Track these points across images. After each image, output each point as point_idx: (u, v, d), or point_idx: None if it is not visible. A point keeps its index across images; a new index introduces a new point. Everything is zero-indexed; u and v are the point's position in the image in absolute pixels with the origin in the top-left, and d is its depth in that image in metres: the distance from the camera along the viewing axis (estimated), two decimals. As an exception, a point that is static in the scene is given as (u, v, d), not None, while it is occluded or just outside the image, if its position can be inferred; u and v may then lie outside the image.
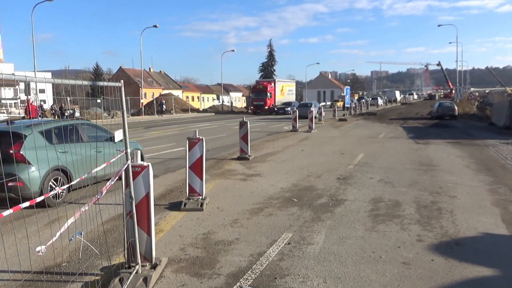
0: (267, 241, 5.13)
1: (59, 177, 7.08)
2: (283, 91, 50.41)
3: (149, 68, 79.47)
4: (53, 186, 6.92)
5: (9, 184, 6.19)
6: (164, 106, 45.70)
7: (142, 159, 4.94)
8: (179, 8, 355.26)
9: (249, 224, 5.82)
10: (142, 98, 51.36)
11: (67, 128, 7.27)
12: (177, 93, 71.25)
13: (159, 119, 38.62)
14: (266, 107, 45.27)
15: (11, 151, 6.45)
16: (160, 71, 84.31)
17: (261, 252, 4.77)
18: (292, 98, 53.00)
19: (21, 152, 6.58)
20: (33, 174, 6.60)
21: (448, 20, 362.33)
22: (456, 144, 15.56)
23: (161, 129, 24.70)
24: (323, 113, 29.10)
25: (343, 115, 33.14)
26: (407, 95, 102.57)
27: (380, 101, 67.65)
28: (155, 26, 45.82)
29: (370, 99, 71.89)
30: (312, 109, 23.51)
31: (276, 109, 44.35)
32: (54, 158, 6.90)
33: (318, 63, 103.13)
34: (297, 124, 22.19)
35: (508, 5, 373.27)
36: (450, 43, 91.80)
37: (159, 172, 9.83)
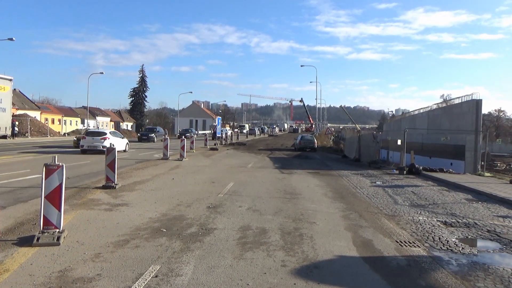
0: (133, 275, 4.86)
1: None
2: None
3: None
4: None
5: None
6: (16, 128, 40.97)
7: None
8: (38, 22, 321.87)
9: (113, 258, 5.44)
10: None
11: None
12: (35, 114, 64.42)
13: (10, 143, 34.34)
14: None
15: None
16: (14, 89, 75.45)
17: (126, 287, 4.48)
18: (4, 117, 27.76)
19: None
20: None
21: (307, 62, 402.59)
22: (316, 174, 17.03)
23: (13, 154, 21.90)
24: (195, 142, 29.20)
25: (214, 145, 33.77)
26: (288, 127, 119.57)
27: (276, 129, 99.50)
28: (10, 39, 41.21)
29: (267, 128, 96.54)
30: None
31: None
32: None
33: (191, 92, 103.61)
34: (168, 152, 21.83)
35: (355, 54, 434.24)
36: (310, 82, 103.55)
37: (8, 203, 8.66)
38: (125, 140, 25.86)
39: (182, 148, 21.99)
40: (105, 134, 23.96)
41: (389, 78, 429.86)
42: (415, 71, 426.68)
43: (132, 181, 12.70)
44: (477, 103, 20.09)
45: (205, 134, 44.97)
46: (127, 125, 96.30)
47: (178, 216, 8.07)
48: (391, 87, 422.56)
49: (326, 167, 21.19)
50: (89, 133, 24.17)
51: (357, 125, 50.77)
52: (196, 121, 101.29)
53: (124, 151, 25.36)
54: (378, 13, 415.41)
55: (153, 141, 40.91)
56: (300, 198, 10.83)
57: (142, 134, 43.41)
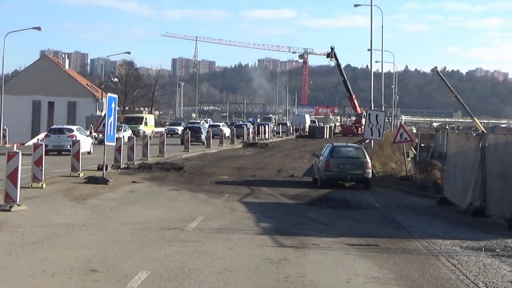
0: None
1: None
2: None
3: None
4: None
5: None
6: None
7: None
8: None
9: None
10: None
11: None
12: None
13: None
14: None
15: None
16: None
17: None
18: None
19: None
20: None
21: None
22: (369, 249, 13.69)
23: None
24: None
25: (99, 168, 24.81)
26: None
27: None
28: None
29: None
30: None
31: None
32: None
33: (39, 29, 56.51)
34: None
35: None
36: (355, 6, 63.82)
37: None
38: (90, 139, 32.76)
39: (12, 177, 15.74)
40: (73, 131, 40.90)
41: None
42: None
43: None
44: None
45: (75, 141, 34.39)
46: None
47: None
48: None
49: (397, 229, 17.28)
50: (51, 130, 45.36)
51: (476, 120, 39.84)
52: (49, 104, 77.34)
53: (89, 153, 33.15)
54: None
55: None
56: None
57: None
